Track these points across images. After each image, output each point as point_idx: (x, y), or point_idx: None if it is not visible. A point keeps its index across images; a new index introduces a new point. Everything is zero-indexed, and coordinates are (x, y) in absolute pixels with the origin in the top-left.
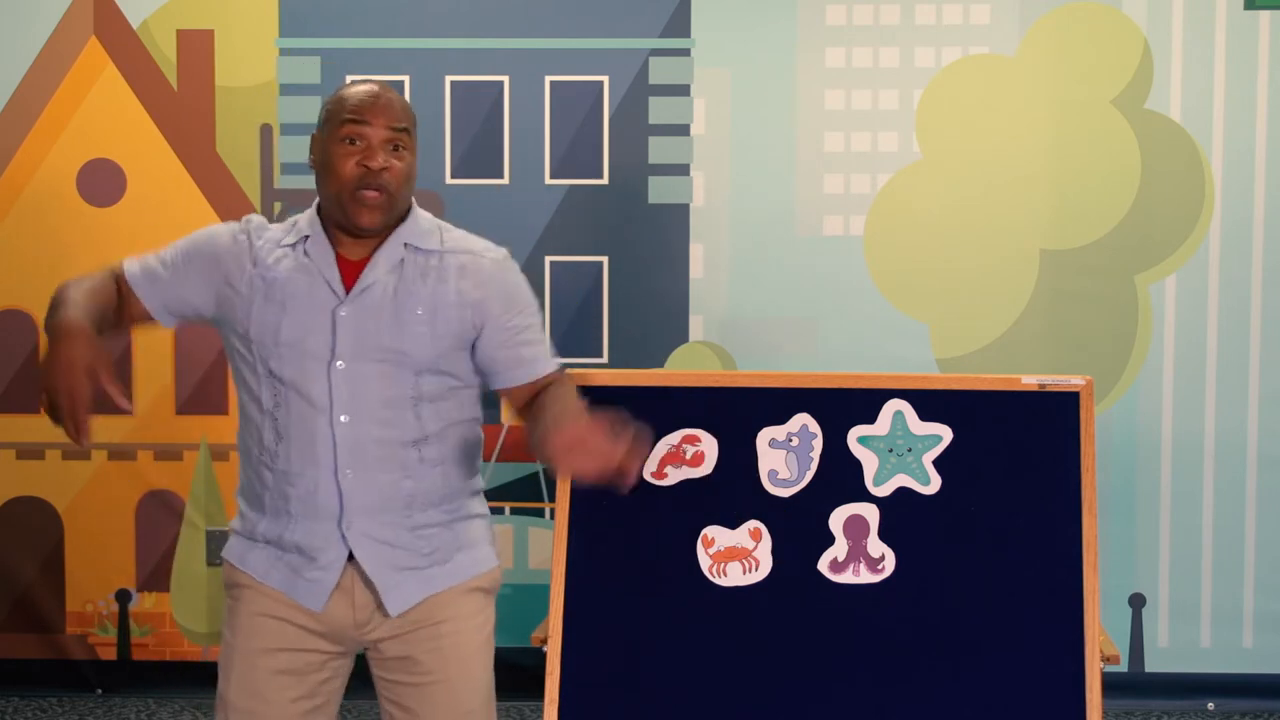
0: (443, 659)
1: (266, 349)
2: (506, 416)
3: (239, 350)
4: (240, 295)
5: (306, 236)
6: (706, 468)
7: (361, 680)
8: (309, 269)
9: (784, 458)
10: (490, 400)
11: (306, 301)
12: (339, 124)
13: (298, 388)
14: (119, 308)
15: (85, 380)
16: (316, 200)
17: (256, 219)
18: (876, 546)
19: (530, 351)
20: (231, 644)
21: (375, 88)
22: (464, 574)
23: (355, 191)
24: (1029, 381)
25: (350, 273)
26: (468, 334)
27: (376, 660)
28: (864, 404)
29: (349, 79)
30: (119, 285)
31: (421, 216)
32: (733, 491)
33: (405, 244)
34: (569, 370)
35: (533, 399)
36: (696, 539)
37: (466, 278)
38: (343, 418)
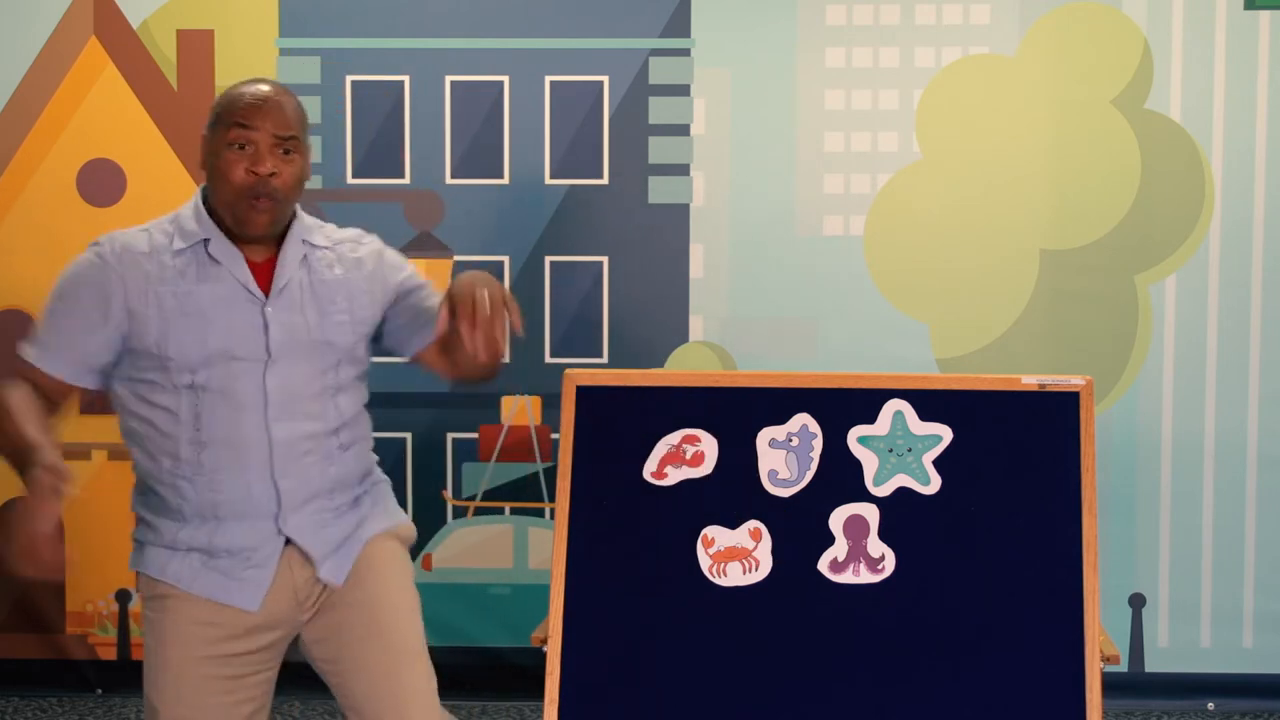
0: (377, 594)
1: (189, 362)
2: (506, 416)
3: (145, 371)
4: (148, 316)
5: (206, 239)
6: (706, 468)
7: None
8: (219, 275)
9: (784, 458)
10: (490, 400)
11: (228, 308)
12: (227, 127)
13: (225, 394)
14: (46, 410)
15: (49, 554)
16: (196, 199)
17: (112, 241)
18: (876, 546)
19: (427, 307)
20: (161, 655)
21: (265, 89)
22: (380, 525)
23: (244, 199)
24: (1029, 381)
25: (258, 273)
26: (376, 317)
27: (313, 642)
28: (864, 404)
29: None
30: (28, 379)
31: (305, 215)
32: (733, 491)
33: (303, 240)
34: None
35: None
36: (696, 539)
37: (363, 264)
38: (275, 419)
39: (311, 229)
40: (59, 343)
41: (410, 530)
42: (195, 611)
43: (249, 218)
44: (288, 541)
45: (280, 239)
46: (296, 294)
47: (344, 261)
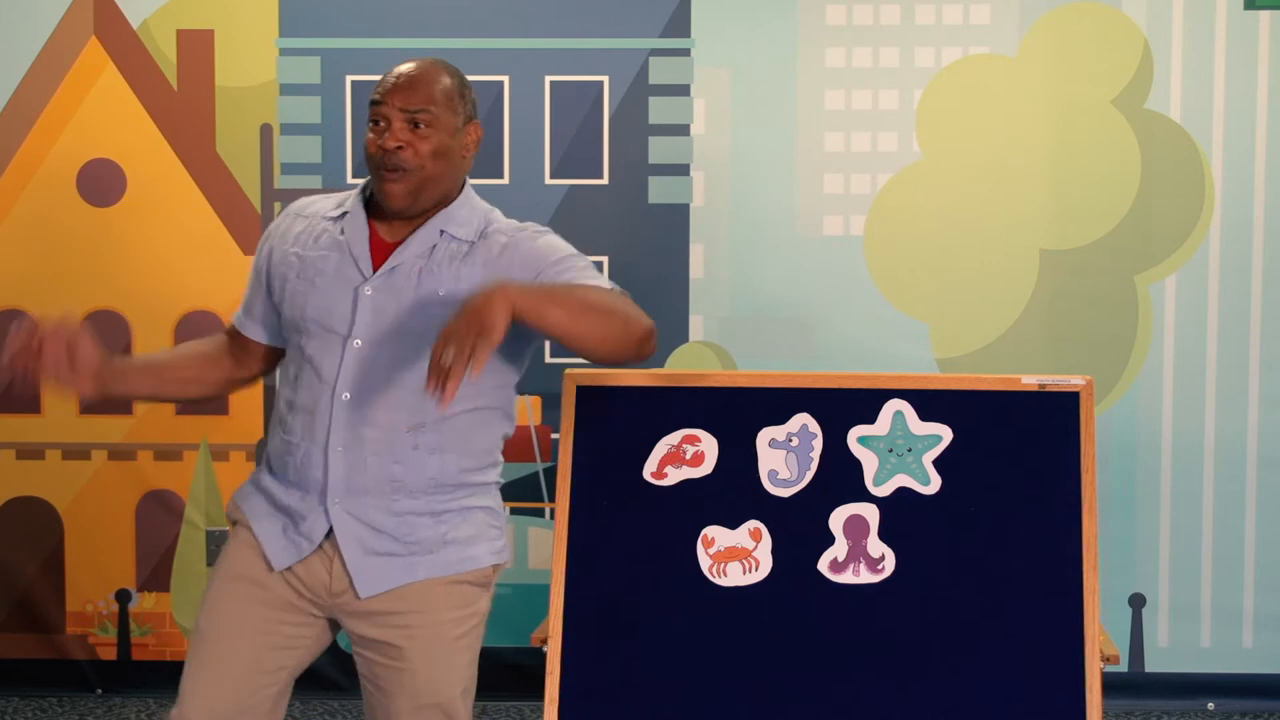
0: (413, 649)
1: (296, 324)
2: None
3: (285, 329)
4: (278, 275)
5: (347, 213)
6: (706, 468)
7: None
8: (341, 247)
9: (784, 458)
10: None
11: (333, 279)
12: (371, 103)
13: (314, 363)
14: (218, 359)
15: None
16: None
17: (298, 203)
18: (876, 546)
19: (582, 278)
20: (215, 571)
21: (407, 66)
22: (448, 569)
23: (376, 171)
24: (1029, 381)
25: (383, 253)
26: None
27: (354, 636)
28: (864, 404)
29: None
30: (230, 338)
31: (470, 205)
32: (733, 491)
33: (441, 230)
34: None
35: None
36: (696, 539)
37: (493, 261)
38: (345, 395)
39: (464, 221)
40: (246, 299)
41: (483, 574)
42: (253, 545)
43: (382, 190)
44: (330, 531)
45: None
46: (403, 279)
47: (472, 255)
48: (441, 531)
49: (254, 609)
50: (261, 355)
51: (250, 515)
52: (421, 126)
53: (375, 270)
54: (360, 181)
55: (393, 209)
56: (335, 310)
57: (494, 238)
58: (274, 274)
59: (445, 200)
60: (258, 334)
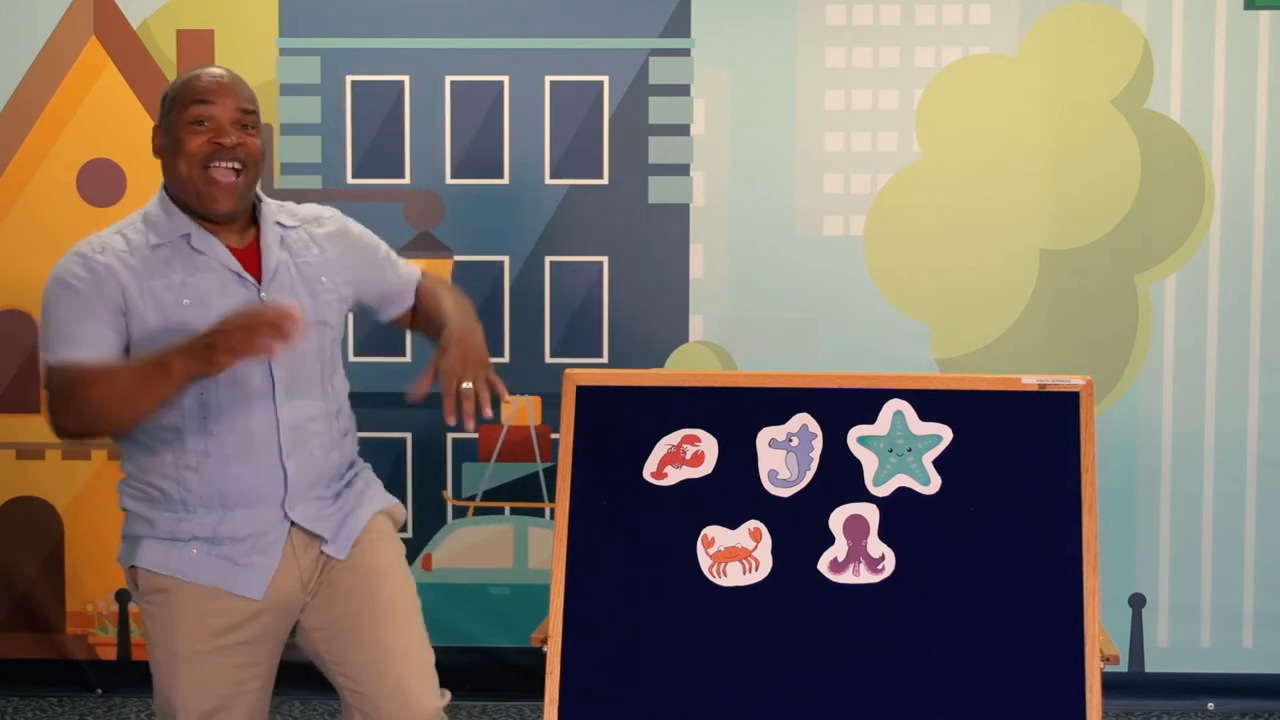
0: (382, 560)
1: None
2: (506, 416)
3: None
4: (146, 311)
5: (187, 234)
6: (706, 468)
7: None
8: (206, 265)
9: (784, 458)
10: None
11: (224, 295)
12: (185, 106)
13: (233, 382)
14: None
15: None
16: (158, 195)
17: (91, 245)
18: (876, 546)
19: (404, 271)
20: (169, 649)
21: (222, 72)
22: (378, 504)
23: (205, 169)
24: (1029, 381)
25: (244, 260)
26: (351, 292)
27: (309, 615)
28: (864, 404)
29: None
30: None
31: (266, 197)
32: (733, 491)
33: (276, 222)
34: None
35: (415, 307)
36: (696, 539)
37: (333, 240)
38: (284, 401)
39: (277, 210)
40: (76, 335)
41: (401, 512)
42: (199, 602)
43: (210, 192)
44: (292, 525)
45: (254, 225)
46: (286, 277)
47: (316, 240)
48: (362, 483)
49: (236, 673)
50: None
51: (188, 575)
52: (250, 129)
53: (256, 277)
54: (153, 199)
55: (220, 212)
56: None
57: (314, 223)
58: (138, 311)
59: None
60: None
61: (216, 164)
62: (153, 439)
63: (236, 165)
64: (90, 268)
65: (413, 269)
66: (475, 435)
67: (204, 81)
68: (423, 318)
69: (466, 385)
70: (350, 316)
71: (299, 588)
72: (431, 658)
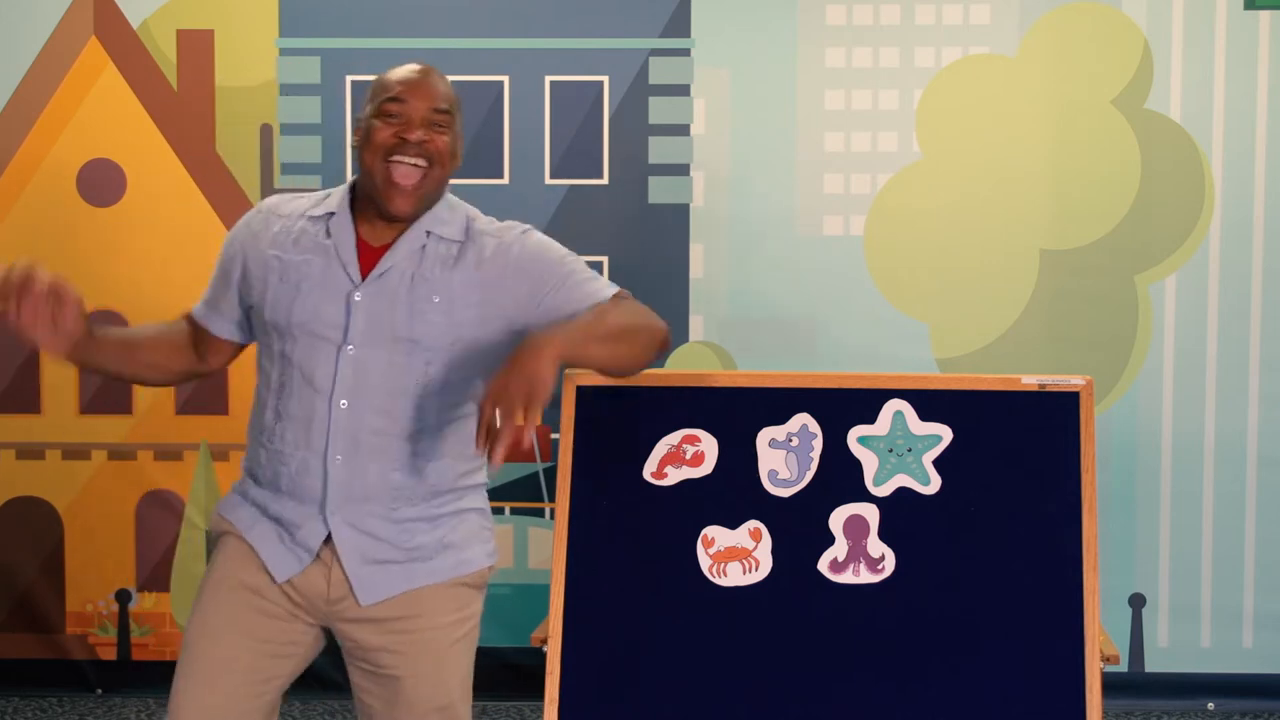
0: (413, 654)
1: (279, 329)
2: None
3: (258, 330)
4: (256, 277)
5: (332, 214)
6: (706, 468)
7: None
8: (327, 250)
9: (784, 458)
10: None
11: (321, 284)
12: (381, 102)
13: (303, 369)
14: (177, 349)
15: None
16: (354, 177)
17: (270, 201)
18: (876, 546)
19: (587, 291)
20: (208, 577)
21: (420, 68)
22: (446, 573)
23: (387, 162)
24: (1029, 381)
25: (369, 258)
26: (482, 315)
27: (349, 647)
28: (864, 404)
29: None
30: (192, 330)
31: (449, 205)
32: (733, 491)
33: (428, 231)
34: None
35: None
36: (696, 539)
37: (485, 263)
38: (342, 403)
39: (447, 221)
40: (210, 295)
41: (480, 575)
42: (246, 556)
43: (389, 193)
44: (328, 538)
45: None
46: (394, 284)
47: (463, 257)
48: (439, 536)
49: (251, 616)
50: (225, 350)
51: (241, 525)
52: (439, 127)
53: (364, 275)
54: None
55: (396, 214)
56: (325, 317)
57: (481, 239)
58: (250, 274)
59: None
60: (226, 331)
61: (399, 158)
62: (259, 403)
63: (420, 162)
64: (245, 221)
65: (601, 290)
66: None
67: (399, 77)
68: None
69: (499, 422)
70: None
71: (324, 596)
72: None
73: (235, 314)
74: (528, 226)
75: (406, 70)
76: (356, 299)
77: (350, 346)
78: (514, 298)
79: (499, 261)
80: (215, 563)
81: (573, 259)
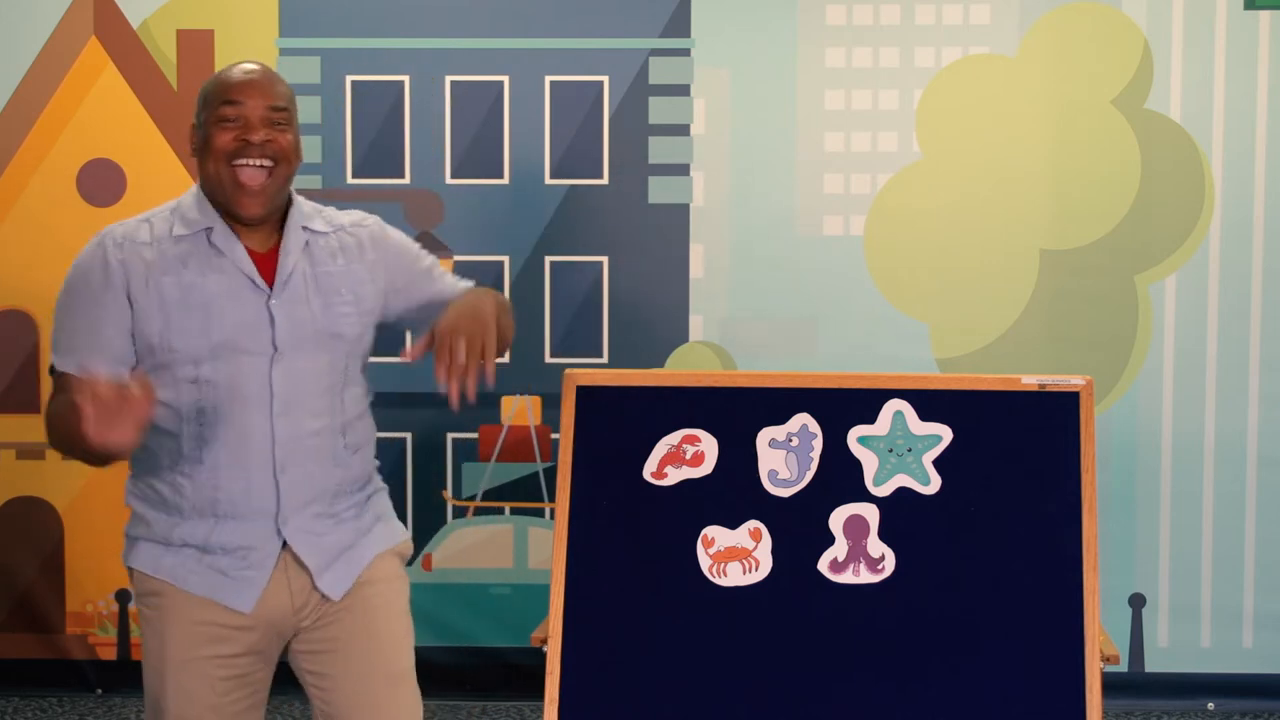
0: (369, 615)
1: (193, 354)
2: (506, 416)
3: (148, 365)
4: (150, 307)
5: (210, 228)
6: (706, 468)
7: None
8: (221, 266)
9: (784, 458)
10: (490, 400)
11: (232, 300)
12: (216, 105)
13: (230, 389)
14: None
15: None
16: (195, 188)
17: (112, 232)
18: (876, 546)
19: (448, 284)
20: (162, 655)
21: (253, 67)
22: (385, 542)
23: (232, 165)
24: (1029, 381)
25: (262, 264)
26: (379, 304)
27: (303, 653)
28: (864, 404)
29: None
30: (66, 391)
31: (302, 200)
32: (733, 491)
33: (304, 227)
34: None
35: None
36: (696, 539)
37: (365, 250)
38: (280, 412)
39: (311, 215)
40: (80, 343)
41: (409, 546)
42: (190, 610)
43: (238, 196)
44: (285, 545)
45: (280, 228)
46: (301, 285)
47: (346, 249)
48: (372, 514)
49: (222, 687)
50: None
51: (175, 579)
52: (281, 125)
53: (270, 282)
54: (190, 190)
55: (248, 217)
56: (248, 330)
57: (351, 230)
58: (141, 307)
59: (285, 203)
60: (112, 368)
61: (243, 161)
62: (153, 442)
63: (265, 162)
64: (103, 253)
65: (460, 283)
66: (476, 436)
67: (234, 78)
68: None
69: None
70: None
71: (290, 610)
72: (420, 716)
73: (115, 350)
74: (376, 216)
75: (240, 71)
76: (274, 306)
77: (281, 357)
78: (391, 283)
79: (378, 249)
80: (164, 636)
81: (426, 251)
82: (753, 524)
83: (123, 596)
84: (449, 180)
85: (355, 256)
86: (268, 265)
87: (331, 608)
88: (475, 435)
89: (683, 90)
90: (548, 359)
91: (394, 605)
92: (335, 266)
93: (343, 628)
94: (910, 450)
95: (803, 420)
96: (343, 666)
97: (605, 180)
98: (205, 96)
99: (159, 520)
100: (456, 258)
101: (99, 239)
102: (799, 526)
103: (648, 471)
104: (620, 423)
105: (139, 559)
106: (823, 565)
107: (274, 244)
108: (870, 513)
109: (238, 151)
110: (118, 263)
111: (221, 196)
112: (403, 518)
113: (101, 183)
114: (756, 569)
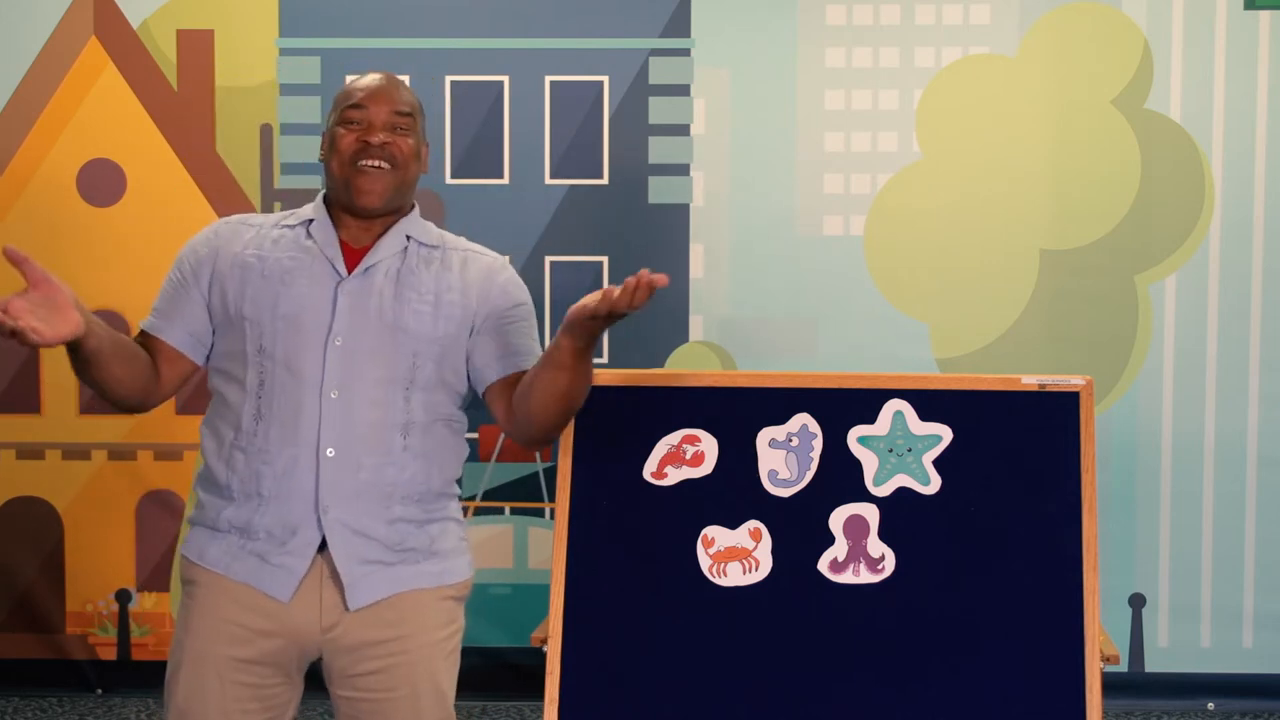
0: (408, 672)
1: (261, 324)
2: None
3: (224, 339)
4: (230, 278)
5: (311, 220)
6: (706, 468)
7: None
8: (310, 249)
9: (784, 458)
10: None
11: (306, 277)
12: (342, 110)
13: (288, 363)
14: (147, 365)
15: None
16: (323, 191)
17: (233, 217)
18: (876, 546)
19: (523, 344)
20: (183, 645)
21: (380, 77)
22: (433, 580)
23: (354, 164)
24: (1029, 381)
25: (353, 258)
26: (465, 320)
27: (337, 678)
28: (864, 404)
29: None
30: (146, 346)
31: (418, 217)
32: (733, 491)
33: (408, 235)
34: None
35: (515, 386)
36: (696, 539)
37: (468, 269)
38: (333, 393)
39: (425, 228)
40: (163, 305)
41: (466, 587)
42: (220, 607)
43: (357, 184)
44: (325, 546)
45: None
46: (379, 278)
47: (447, 263)
48: (428, 541)
49: (238, 691)
50: (176, 369)
51: (219, 567)
52: (401, 130)
53: (350, 271)
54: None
55: (365, 206)
56: (311, 308)
57: (455, 251)
58: (222, 276)
59: (402, 211)
60: (178, 339)
61: (364, 162)
62: (220, 420)
63: (384, 164)
64: (210, 231)
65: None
66: (475, 435)
67: (359, 86)
68: (537, 374)
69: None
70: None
71: (317, 626)
72: None
73: (193, 322)
74: (504, 258)
75: (368, 79)
76: (344, 291)
77: (338, 338)
78: (485, 314)
79: (471, 274)
80: (189, 627)
81: (531, 312)
82: (753, 524)
83: (123, 596)
84: (449, 180)
85: (454, 270)
86: (357, 258)
87: (367, 643)
88: (475, 435)
89: (683, 90)
90: None
91: (430, 661)
92: (425, 272)
93: (378, 679)
94: (910, 450)
95: (803, 420)
96: (376, 717)
97: (605, 180)
98: (335, 102)
99: (211, 504)
100: None
101: (215, 221)
102: (799, 526)
103: (647, 471)
104: (620, 423)
105: (189, 545)
106: (823, 565)
107: (372, 243)
108: (870, 513)
109: (359, 152)
110: (217, 241)
111: (343, 194)
112: None
113: (101, 183)
114: (756, 569)
